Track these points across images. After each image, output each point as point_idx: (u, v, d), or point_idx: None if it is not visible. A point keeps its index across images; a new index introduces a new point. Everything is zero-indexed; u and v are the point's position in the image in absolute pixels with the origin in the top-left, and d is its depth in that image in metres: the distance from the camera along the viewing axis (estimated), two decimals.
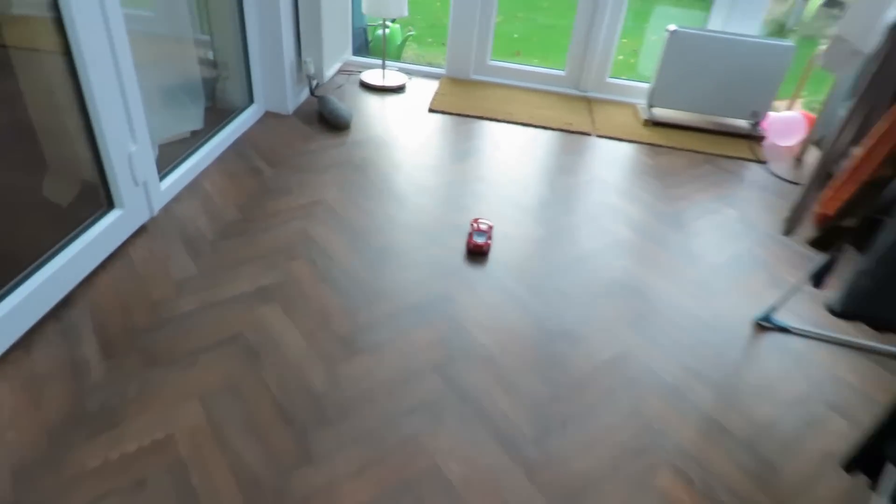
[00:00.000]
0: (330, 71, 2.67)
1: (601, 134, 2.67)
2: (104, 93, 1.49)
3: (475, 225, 1.87)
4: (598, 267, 1.82)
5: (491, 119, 2.71)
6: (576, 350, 1.51)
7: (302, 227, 1.83)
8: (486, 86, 3.05)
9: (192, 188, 1.97)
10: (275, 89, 2.46)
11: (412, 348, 1.46)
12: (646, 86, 3.01)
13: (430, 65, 3.47)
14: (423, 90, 2.95)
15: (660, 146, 2.64)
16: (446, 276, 1.71)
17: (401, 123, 2.58)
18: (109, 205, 1.64)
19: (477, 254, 1.82)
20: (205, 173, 2.05)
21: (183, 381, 1.30)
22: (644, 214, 2.11)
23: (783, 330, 1.66)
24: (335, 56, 2.72)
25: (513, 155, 2.42)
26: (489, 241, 1.82)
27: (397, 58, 3.57)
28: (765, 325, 1.67)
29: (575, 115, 2.82)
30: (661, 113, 2.83)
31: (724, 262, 1.91)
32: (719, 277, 1.83)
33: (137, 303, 1.49)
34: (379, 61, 3.11)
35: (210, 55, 2.33)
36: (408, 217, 1.94)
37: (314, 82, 2.60)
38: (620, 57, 3.92)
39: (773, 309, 1.68)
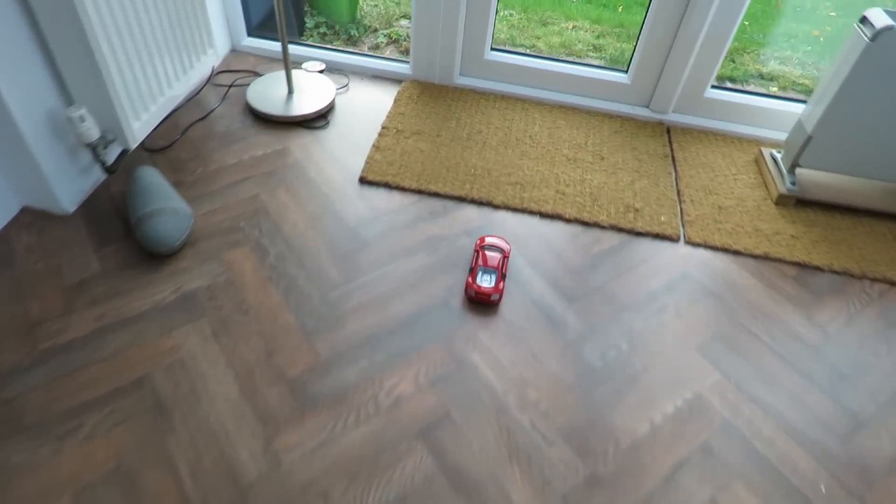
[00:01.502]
0: (159, 108, 1.36)
1: (696, 240, 1.35)
2: None
3: (480, 252, 1.19)
4: None
5: (482, 203, 1.39)
6: None
7: None
8: (481, 100, 1.67)
9: None
10: (24, 172, 1.18)
11: None
12: (777, 106, 1.62)
13: (391, 53, 2.07)
14: (365, 114, 1.61)
15: (818, 269, 1.32)
16: None
17: (295, 225, 1.29)
18: None
19: (481, 304, 1.14)
20: None
21: None
22: None
23: None
24: (173, 75, 1.39)
25: (519, 329, 1.14)
26: (502, 285, 1.14)
27: (350, 19, 2.15)
28: None
29: (646, 177, 1.48)
30: (816, 179, 1.47)
31: None
32: None
33: None
34: (309, 49, 1.74)
35: None
36: None
37: (107, 150, 1.26)
38: None
39: None
